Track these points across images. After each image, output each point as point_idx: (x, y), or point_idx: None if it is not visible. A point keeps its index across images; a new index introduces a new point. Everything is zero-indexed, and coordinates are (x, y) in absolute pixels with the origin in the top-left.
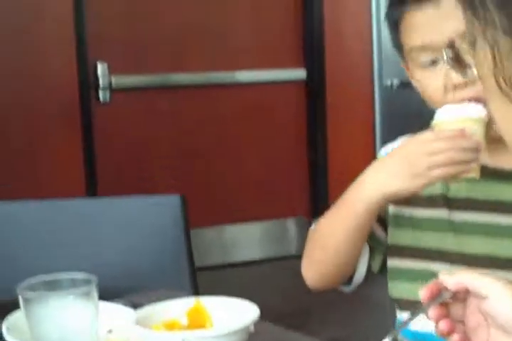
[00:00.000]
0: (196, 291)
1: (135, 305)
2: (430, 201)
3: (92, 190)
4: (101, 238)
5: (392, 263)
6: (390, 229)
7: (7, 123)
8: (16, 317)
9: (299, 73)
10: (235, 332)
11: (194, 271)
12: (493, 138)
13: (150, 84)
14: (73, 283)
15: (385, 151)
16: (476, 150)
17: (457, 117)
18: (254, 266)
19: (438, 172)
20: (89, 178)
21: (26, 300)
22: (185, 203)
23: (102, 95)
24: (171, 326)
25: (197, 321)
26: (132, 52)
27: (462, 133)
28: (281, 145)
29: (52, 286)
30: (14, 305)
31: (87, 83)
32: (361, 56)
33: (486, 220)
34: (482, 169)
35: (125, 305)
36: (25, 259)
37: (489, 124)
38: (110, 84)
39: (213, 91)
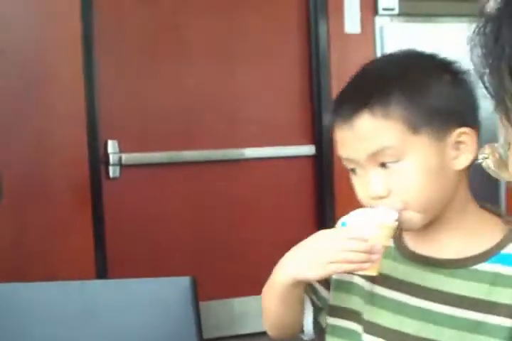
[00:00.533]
0: None
1: None
2: None
3: (102, 264)
4: (114, 318)
5: (329, 320)
6: (330, 291)
7: (19, 198)
8: None
9: (308, 149)
10: None
11: None
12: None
13: (160, 160)
14: None
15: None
16: (370, 252)
17: (365, 222)
18: (262, 337)
19: (334, 267)
20: (99, 253)
21: None
22: (195, 283)
23: (112, 171)
24: None
25: None
26: (142, 129)
27: (362, 237)
28: (292, 217)
29: None
30: None
31: (97, 159)
32: None
33: (399, 298)
34: (409, 254)
35: None
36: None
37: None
38: (120, 160)
39: (223, 167)
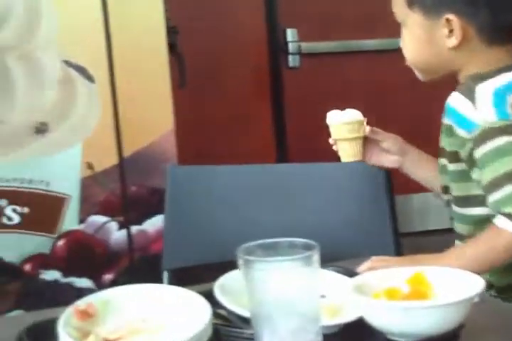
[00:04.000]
0: None
1: (347, 272)
2: None
3: (282, 154)
4: (303, 203)
5: None
6: None
7: (200, 85)
8: (227, 278)
9: None
10: (459, 303)
11: (398, 237)
12: None
13: (338, 49)
14: (293, 248)
15: None
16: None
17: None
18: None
19: None
20: (279, 142)
21: (245, 264)
22: (389, 176)
23: (292, 60)
24: (391, 294)
25: (418, 290)
26: (321, 18)
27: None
28: None
29: (272, 250)
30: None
31: (277, 48)
32: None
33: None
34: None
35: (337, 271)
36: (230, 222)
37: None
38: (299, 49)
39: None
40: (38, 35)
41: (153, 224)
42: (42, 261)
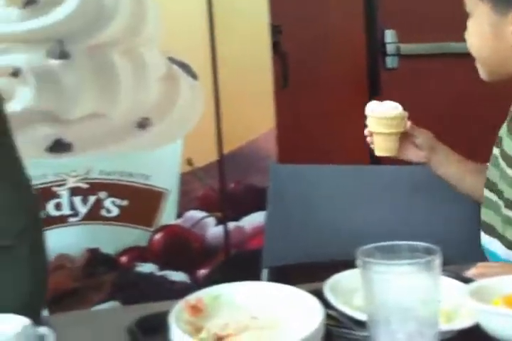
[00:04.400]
0: None
1: (458, 277)
2: None
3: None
4: (402, 205)
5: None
6: None
7: (298, 84)
8: (337, 279)
9: None
10: None
11: None
12: None
13: (435, 51)
14: (413, 252)
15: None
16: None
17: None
18: None
19: None
20: None
21: (365, 266)
22: None
23: (390, 61)
24: (510, 302)
25: None
26: (420, 19)
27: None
28: None
29: (391, 253)
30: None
31: (375, 49)
32: None
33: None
34: None
35: (447, 276)
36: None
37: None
38: (398, 50)
39: None
40: (143, 32)
41: (251, 221)
42: (138, 253)
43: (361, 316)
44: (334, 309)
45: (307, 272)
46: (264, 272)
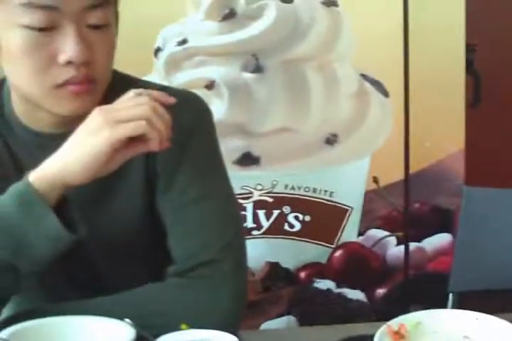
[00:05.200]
0: None
1: None
2: None
3: None
4: None
5: None
6: None
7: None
8: None
9: None
10: None
11: None
12: None
13: None
14: None
15: None
16: None
17: None
18: None
19: None
20: None
21: None
22: None
23: None
24: None
25: None
26: None
27: None
28: None
29: None
30: None
31: None
32: None
33: None
34: None
35: None
36: None
37: None
38: None
39: None
40: (336, 48)
41: (432, 242)
42: (317, 269)
43: None
44: None
45: (496, 299)
46: (450, 296)
